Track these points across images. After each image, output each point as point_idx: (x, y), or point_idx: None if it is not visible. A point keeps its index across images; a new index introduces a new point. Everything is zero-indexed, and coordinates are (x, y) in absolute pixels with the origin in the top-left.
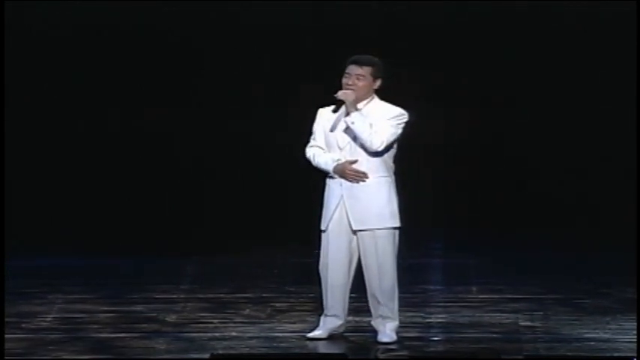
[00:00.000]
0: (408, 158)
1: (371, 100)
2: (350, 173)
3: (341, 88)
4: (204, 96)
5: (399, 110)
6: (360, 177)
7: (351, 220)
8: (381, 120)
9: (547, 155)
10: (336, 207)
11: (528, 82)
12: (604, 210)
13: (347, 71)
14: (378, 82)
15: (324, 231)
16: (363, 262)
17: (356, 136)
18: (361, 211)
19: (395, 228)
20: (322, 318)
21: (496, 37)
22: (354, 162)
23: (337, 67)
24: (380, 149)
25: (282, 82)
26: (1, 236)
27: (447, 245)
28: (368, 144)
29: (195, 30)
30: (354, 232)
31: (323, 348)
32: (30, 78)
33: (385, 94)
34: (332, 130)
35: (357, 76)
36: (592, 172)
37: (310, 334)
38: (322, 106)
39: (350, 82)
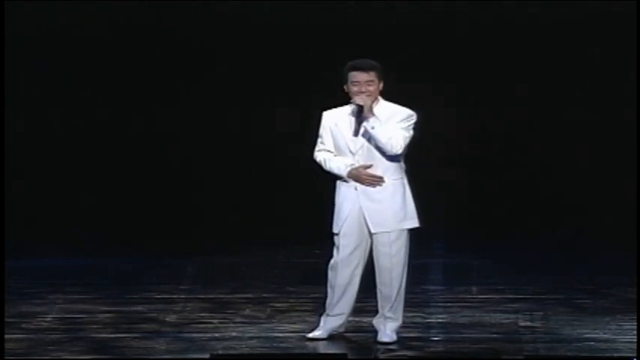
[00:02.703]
0: (409, 158)
1: (377, 102)
2: (366, 178)
3: (344, 96)
4: (204, 96)
5: (407, 112)
6: (376, 181)
7: (369, 223)
8: (392, 123)
9: (548, 155)
10: (350, 211)
11: (530, 83)
12: (604, 210)
13: (354, 80)
14: (381, 84)
15: (336, 234)
16: (377, 263)
17: (372, 140)
18: (379, 214)
19: (414, 229)
20: (323, 318)
21: (499, 38)
22: (369, 166)
23: (338, 68)
24: (399, 152)
25: (282, 83)
26: (1, 236)
27: (447, 245)
28: (389, 147)
29: (197, 30)
30: (371, 234)
31: (323, 348)
32: (29, 78)
33: (389, 96)
34: (355, 134)
35: (367, 82)
36: (592, 173)
37: (310, 334)
38: (326, 109)
39: (363, 90)
